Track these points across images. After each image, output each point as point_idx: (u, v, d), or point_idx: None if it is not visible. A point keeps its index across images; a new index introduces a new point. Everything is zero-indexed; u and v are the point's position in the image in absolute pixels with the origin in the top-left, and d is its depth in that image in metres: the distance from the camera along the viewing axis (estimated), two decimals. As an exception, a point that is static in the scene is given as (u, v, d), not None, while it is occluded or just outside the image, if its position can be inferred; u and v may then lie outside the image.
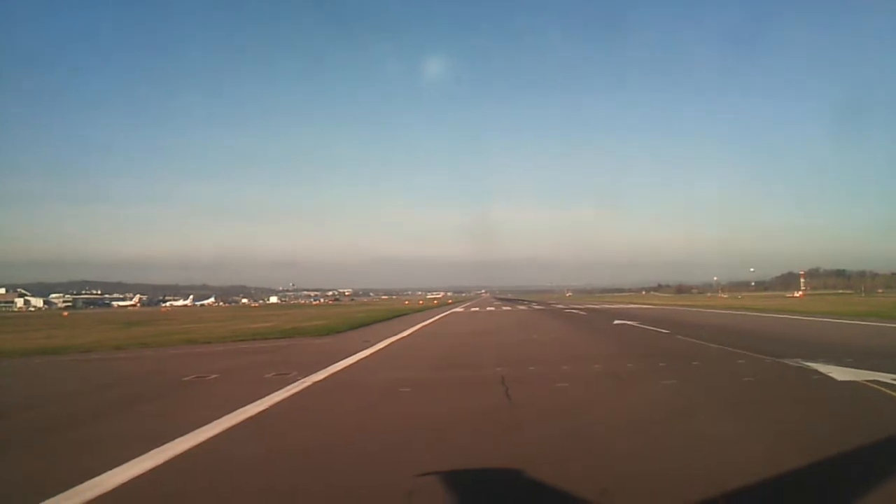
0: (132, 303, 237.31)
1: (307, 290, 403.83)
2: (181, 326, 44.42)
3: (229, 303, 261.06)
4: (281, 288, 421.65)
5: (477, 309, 70.42)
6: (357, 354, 18.94)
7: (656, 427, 8.53)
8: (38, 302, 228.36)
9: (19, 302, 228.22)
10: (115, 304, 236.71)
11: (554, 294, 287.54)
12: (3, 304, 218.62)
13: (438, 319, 45.21)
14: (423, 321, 42.84)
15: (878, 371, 12.45)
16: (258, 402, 10.93)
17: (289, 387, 12.57)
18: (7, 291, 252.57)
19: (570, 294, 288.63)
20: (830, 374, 12.32)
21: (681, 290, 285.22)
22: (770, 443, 7.53)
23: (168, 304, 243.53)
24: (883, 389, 10.61)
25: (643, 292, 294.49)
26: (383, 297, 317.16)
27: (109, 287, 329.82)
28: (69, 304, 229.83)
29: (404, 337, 27.35)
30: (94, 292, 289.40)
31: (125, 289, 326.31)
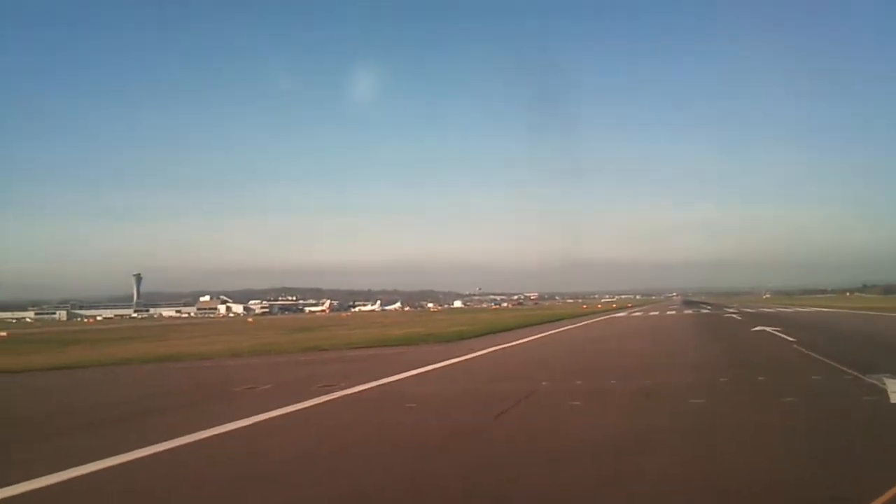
0: (322, 308, 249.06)
1: (493, 294, 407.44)
2: (337, 332, 45.98)
3: (415, 307, 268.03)
4: (467, 292, 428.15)
5: (639, 314, 68.25)
6: (438, 363, 18.73)
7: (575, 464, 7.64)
8: (238, 308, 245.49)
9: (222, 308, 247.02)
10: (307, 309, 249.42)
11: (750, 296, 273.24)
12: (207, 311, 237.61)
13: (584, 325, 44.60)
14: (568, 326, 43.13)
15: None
16: (272, 412, 11.13)
17: (318, 398, 12.57)
18: (211, 298, 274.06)
19: (767, 296, 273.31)
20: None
21: (888, 290, 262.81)
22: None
23: (357, 308, 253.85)
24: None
25: (847, 294, 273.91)
26: (568, 300, 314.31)
27: (307, 293, 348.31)
28: (266, 310, 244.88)
29: (518, 343, 26.89)
30: (290, 298, 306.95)
31: (321, 295, 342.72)
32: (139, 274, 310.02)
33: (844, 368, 14.41)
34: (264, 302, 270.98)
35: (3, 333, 66.99)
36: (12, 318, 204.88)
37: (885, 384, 11.73)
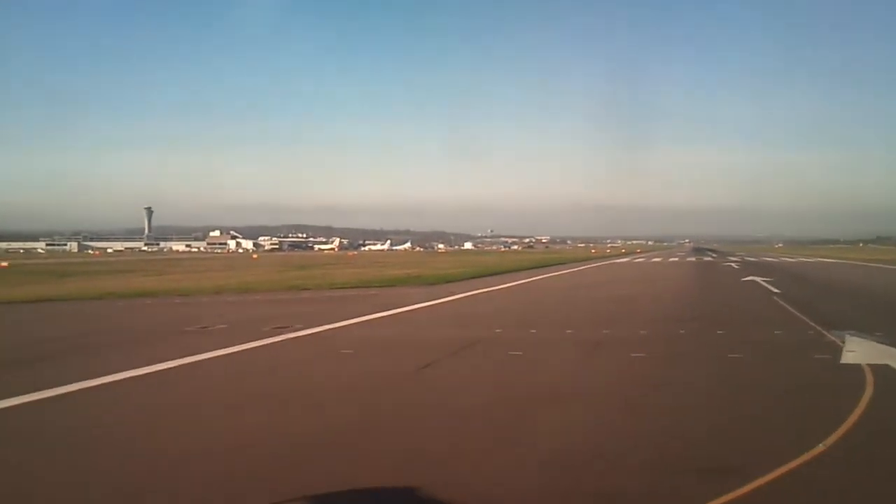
0: (331, 247, 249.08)
1: (504, 237, 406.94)
2: (331, 271, 45.76)
3: (426, 248, 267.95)
4: (479, 234, 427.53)
5: (642, 260, 67.80)
6: (406, 307, 18.52)
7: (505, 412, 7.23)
8: (247, 244, 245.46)
9: (231, 244, 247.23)
10: (316, 247, 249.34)
11: (762, 245, 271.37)
12: (217, 246, 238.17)
13: (579, 270, 44.38)
14: (563, 270, 43.14)
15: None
16: (205, 353, 10.97)
17: (262, 340, 12.34)
18: (222, 234, 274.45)
19: (779, 245, 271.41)
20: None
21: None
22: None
23: (367, 247, 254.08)
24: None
25: (860, 245, 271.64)
26: (580, 245, 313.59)
27: (319, 231, 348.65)
28: (276, 246, 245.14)
29: (500, 288, 26.57)
30: (301, 236, 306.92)
31: (332, 233, 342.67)
32: (150, 207, 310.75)
33: (812, 323, 13.95)
34: (274, 239, 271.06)
35: (4, 264, 67.02)
36: (21, 249, 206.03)
37: (843, 343, 11.27)
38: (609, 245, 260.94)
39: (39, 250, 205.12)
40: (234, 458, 5.83)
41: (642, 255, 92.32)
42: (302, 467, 5.57)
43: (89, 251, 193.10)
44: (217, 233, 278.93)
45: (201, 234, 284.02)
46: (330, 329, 14.13)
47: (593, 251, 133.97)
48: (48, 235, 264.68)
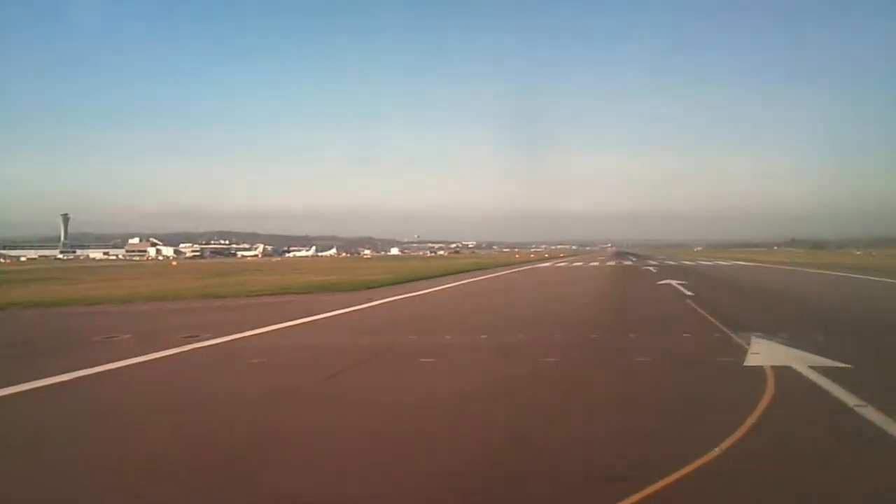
0: (255, 253, 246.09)
1: (431, 242, 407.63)
2: (250, 278, 44.85)
3: (352, 253, 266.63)
4: (406, 240, 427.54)
5: (563, 264, 68.74)
6: (322, 314, 18.22)
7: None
8: (168, 251, 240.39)
9: (151, 251, 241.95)
10: (240, 254, 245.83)
11: (682, 248, 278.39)
12: (136, 253, 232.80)
13: (498, 276, 44.49)
14: (486, 275, 43.47)
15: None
16: (116, 363, 10.68)
17: (168, 350, 11.96)
18: (141, 240, 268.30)
19: (699, 249, 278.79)
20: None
21: (816, 245, 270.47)
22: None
23: (291, 254, 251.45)
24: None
25: (774, 248, 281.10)
26: (505, 250, 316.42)
27: (243, 238, 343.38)
28: (197, 253, 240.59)
29: (418, 294, 26.42)
30: (224, 242, 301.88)
31: (257, 239, 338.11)
32: (67, 214, 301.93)
33: (721, 326, 14.23)
34: (196, 246, 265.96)
35: None
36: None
37: (749, 345, 11.49)
38: (533, 250, 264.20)
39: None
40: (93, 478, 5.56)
41: (564, 260, 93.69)
42: (170, 484, 5.33)
43: (1, 259, 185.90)
44: (136, 240, 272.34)
45: (120, 241, 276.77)
46: (240, 338, 13.75)
47: (517, 256, 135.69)
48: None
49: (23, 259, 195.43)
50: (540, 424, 6.98)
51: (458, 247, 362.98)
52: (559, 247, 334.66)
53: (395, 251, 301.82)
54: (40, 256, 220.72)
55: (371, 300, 23.07)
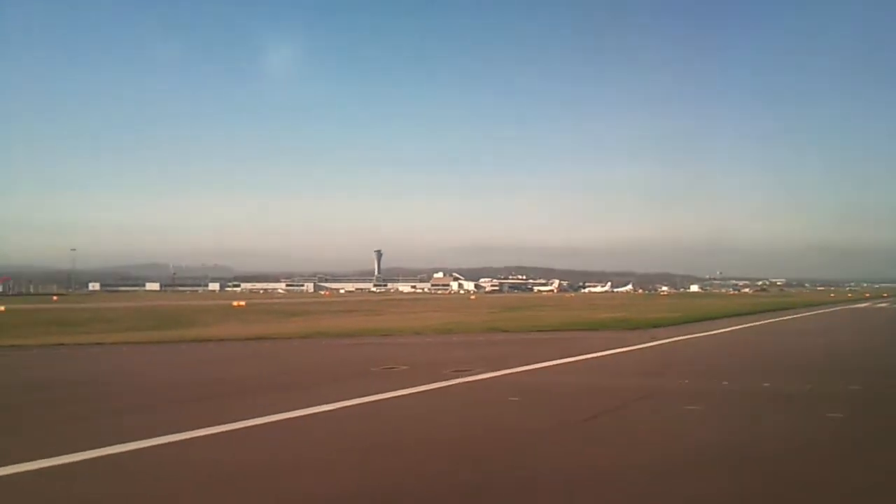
0: (550, 288, 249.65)
1: (734, 279, 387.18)
2: (538, 313, 45.47)
3: (648, 290, 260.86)
4: (707, 276, 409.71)
5: (885, 305, 61.56)
6: (596, 353, 17.78)
7: None
8: (469, 285, 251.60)
9: (454, 285, 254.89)
10: (536, 289, 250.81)
11: None
12: (440, 287, 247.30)
13: (810, 315, 40.77)
14: (790, 315, 40.20)
15: None
16: (374, 395, 10.71)
17: (434, 384, 12.20)
18: (445, 275, 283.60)
19: None
20: None
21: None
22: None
23: (587, 289, 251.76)
24: None
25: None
26: (819, 288, 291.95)
27: (540, 273, 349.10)
28: (496, 288, 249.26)
29: (706, 335, 24.92)
30: (521, 277, 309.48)
31: (553, 274, 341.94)
32: (380, 250, 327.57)
33: None
34: (495, 280, 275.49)
35: (242, 303, 72.75)
36: (262, 289, 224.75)
37: None
38: (849, 289, 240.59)
39: (280, 290, 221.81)
40: None
41: (888, 300, 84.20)
42: None
43: (322, 292, 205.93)
44: (440, 274, 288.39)
45: (426, 275, 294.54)
46: (508, 374, 13.72)
47: (832, 295, 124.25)
48: (289, 277, 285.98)
49: (341, 291, 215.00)
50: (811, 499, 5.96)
51: (764, 284, 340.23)
52: (882, 286, 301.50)
53: (694, 288, 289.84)
54: (356, 289, 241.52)
55: (655, 339, 22.08)
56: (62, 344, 23.68)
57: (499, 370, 14.01)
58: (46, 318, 46.45)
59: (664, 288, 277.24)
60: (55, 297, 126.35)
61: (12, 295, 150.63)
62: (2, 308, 60.22)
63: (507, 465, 6.96)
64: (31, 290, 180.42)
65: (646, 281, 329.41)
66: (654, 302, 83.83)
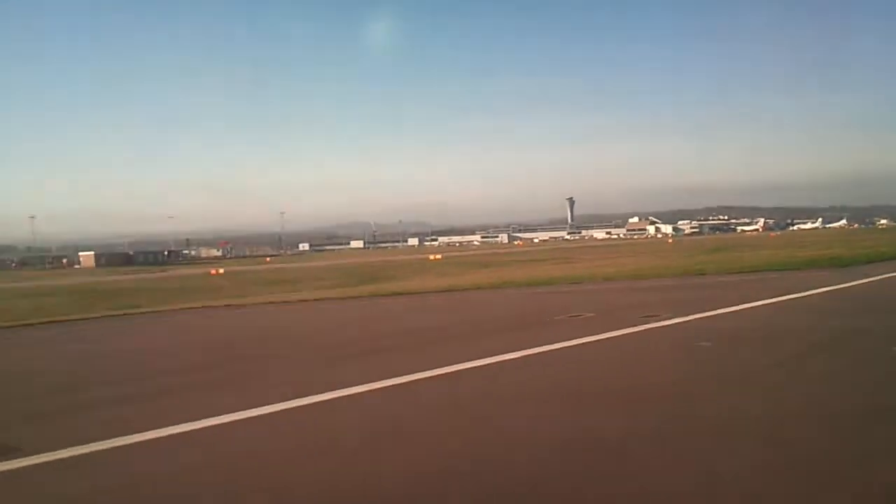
0: (754, 228, 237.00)
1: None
2: (745, 254, 43.33)
3: (865, 224, 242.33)
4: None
5: None
6: (795, 294, 16.65)
7: None
8: (667, 229, 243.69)
9: (650, 229, 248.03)
10: (738, 229, 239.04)
11: None
12: (636, 232, 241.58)
13: None
14: None
15: None
16: (566, 341, 10.77)
17: (626, 329, 11.92)
18: (640, 220, 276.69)
19: None
20: None
21: None
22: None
23: (795, 227, 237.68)
24: None
25: None
26: None
27: (745, 212, 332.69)
28: (695, 230, 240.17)
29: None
30: (723, 218, 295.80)
31: (758, 213, 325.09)
32: (572, 198, 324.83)
33: None
34: (694, 222, 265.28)
35: (439, 256, 74.70)
36: (458, 242, 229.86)
37: None
38: None
39: (475, 243, 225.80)
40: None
41: None
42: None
43: (515, 242, 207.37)
44: (636, 219, 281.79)
45: (621, 221, 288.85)
46: (699, 318, 13.20)
47: None
48: (484, 229, 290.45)
49: (535, 241, 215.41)
50: None
51: None
52: None
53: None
54: (550, 238, 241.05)
55: (867, 276, 20.43)
56: (270, 302, 25.60)
57: (689, 315, 13.45)
58: (264, 278, 50.17)
59: (882, 221, 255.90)
60: (268, 259, 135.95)
61: (230, 258, 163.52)
62: (221, 270, 65.48)
63: (704, 411, 6.74)
64: (247, 253, 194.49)
65: (861, 215, 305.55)
66: (870, 236, 77.52)
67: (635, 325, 12.39)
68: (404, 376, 8.87)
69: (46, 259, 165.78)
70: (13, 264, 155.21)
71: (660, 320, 12.93)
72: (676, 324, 12.56)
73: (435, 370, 9.23)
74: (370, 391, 8.24)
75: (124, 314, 23.86)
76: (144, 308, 26.30)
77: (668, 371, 8.74)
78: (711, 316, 13.45)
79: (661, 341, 11.16)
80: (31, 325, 21.76)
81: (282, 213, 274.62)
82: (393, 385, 8.53)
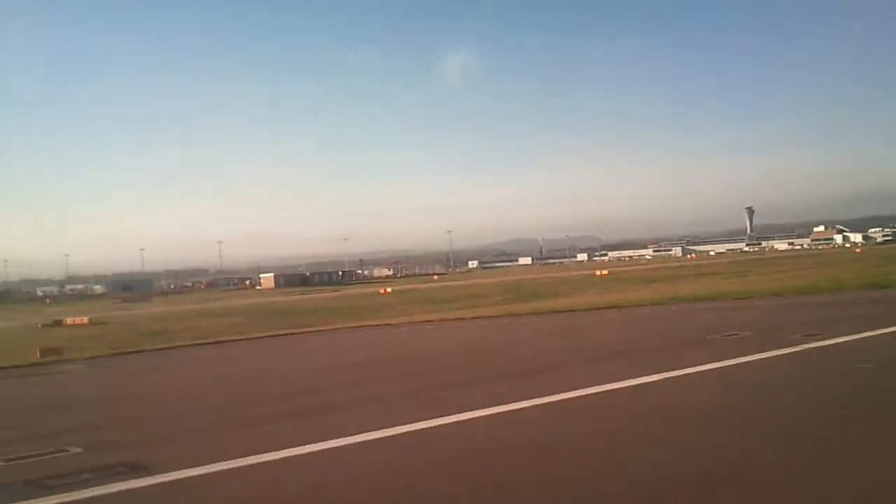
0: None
1: None
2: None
3: None
4: None
5: None
6: None
7: None
8: (856, 237, 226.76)
9: (838, 238, 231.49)
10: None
11: None
12: (822, 241, 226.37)
13: None
14: None
15: None
16: (717, 363, 10.23)
17: (783, 349, 11.03)
18: (826, 228, 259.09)
19: None
20: None
21: None
22: None
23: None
24: None
25: None
26: None
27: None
28: (888, 238, 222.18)
29: None
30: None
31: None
32: (751, 207, 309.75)
33: None
34: (887, 229, 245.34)
35: (605, 272, 73.57)
36: (628, 256, 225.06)
37: None
38: None
39: (647, 256, 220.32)
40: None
41: None
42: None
43: (689, 255, 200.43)
44: (821, 227, 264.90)
45: (805, 230, 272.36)
46: (865, 337, 11.98)
47: None
48: (656, 242, 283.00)
49: (711, 253, 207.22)
50: None
51: None
52: None
53: None
54: (727, 250, 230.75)
55: None
56: (426, 321, 25.90)
57: (856, 333, 12.22)
58: (428, 297, 51.13)
59: None
60: (436, 277, 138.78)
61: (400, 277, 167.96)
62: (389, 289, 67.35)
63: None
64: (416, 272, 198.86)
65: None
66: None
67: (793, 346, 11.44)
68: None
69: (232, 281, 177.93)
70: (202, 286, 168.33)
71: (822, 339, 11.87)
72: (838, 343, 11.51)
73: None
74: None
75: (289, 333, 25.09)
76: (315, 327, 27.55)
77: (814, 396, 7.99)
78: (883, 334, 12.23)
79: (818, 363, 10.25)
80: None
81: (448, 231, 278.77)
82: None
